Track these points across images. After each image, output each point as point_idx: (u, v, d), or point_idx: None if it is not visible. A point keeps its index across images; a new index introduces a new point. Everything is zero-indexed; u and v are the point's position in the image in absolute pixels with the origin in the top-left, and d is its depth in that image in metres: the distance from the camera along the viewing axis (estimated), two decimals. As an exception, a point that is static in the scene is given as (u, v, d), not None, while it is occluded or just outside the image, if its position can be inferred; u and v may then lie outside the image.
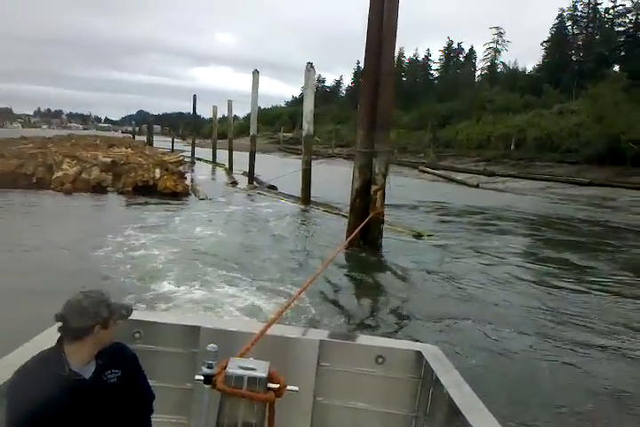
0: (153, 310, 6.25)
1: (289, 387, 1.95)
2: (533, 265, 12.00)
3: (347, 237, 12.78)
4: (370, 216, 12.60)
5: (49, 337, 2.22)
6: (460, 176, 38.69)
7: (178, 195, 20.48)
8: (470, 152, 50.02)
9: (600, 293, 9.74)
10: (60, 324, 2.02)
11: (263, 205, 20.10)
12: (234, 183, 27.25)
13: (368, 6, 12.56)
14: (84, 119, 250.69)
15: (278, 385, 1.90)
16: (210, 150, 45.03)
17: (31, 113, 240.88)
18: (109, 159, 25.47)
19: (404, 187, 31.37)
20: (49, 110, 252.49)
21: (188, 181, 26.90)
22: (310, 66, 19.65)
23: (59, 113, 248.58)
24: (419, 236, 14.53)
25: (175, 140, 70.95)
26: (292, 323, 6.44)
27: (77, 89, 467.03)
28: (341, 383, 3.10)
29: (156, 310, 6.44)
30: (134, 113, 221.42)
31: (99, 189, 20.39)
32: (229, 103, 37.12)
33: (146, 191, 20.22)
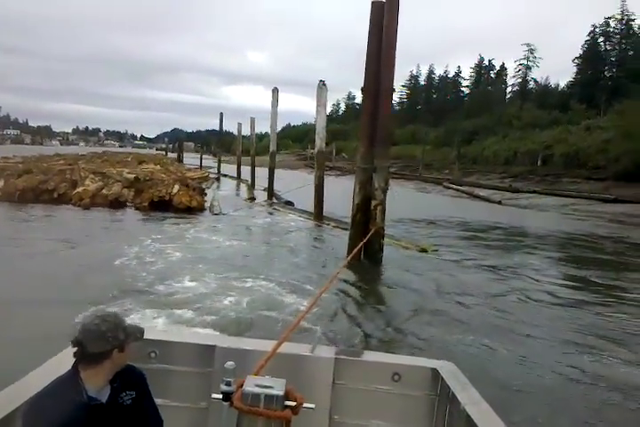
0: (167, 331, 6.23)
1: (305, 404, 1.94)
2: (533, 280, 11.81)
3: (348, 251, 12.88)
4: (371, 231, 12.70)
5: (63, 360, 2.19)
6: (483, 192, 38.35)
7: (192, 210, 20.83)
8: (497, 168, 49.58)
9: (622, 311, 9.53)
10: (75, 349, 2.00)
11: (274, 220, 20.32)
12: (251, 199, 27.56)
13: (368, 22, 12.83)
14: (121, 137, 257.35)
15: (295, 403, 1.90)
16: (244, 166, 45.24)
17: (70, 131, 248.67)
18: (132, 175, 26.18)
19: (424, 203, 31.38)
20: (87, 128, 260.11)
21: (208, 197, 27.51)
22: (322, 84, 19.91)
23: (96, 131, 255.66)
24: (423, 251, 14.47)
25: (206, 156, 72.20)
26: (305, 341, 6.39)
27: (114, 107, 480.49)
28: (357, 401, 3.08)
29: (170, 330, 6.49)
30: (169, 131, 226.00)
31: (116, 204, 20.90)
32: (252, 120, 37.76)
33: (162, 206, 20.64)
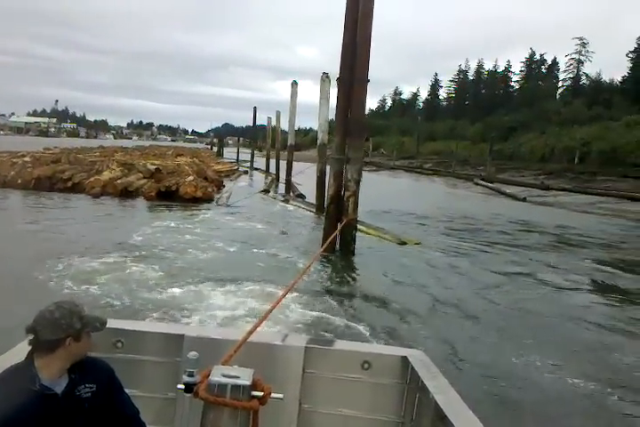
0: (135, 320, 6.18)
1: (273, 395, 1.90)
2: (510, 274, 11.61)
3: (322, 242, 12.94)
4: (343, 222, 12.72)
5: (21, 352, 2.11)
6: (511, 189, 37.50)
7: (199, 200, 21.27)
8: (532, 165, 48.34)
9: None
10: (30, 336, 1.95)
11: (275, 210, 20.55)
12: (265, 191, 27.89)
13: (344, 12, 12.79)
14: (173, 131, 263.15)
15: (262, 393, 1.86)
16: (280, 161, 45.48)
17: (124, 125, 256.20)
18: (154, 167, 26.90)
19: (443, 198, 31.01)
20: (141, 122, 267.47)
21: (226, 189, 28.09)
22: (325, 76, 19.93)
23: (149, 125, 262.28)
24: (403, 243, 14.37)
25: (244, 150, 73.11)
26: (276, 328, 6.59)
27: (168, 102, 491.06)
28: (327, 390, 3.07)
29: (137, 319, 6.41)
30: (220, 125, 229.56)
31: (126, 193, 21.54)
32: (277, 114, 38.05)
33: (169, 196, 21.17)
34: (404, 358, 3.03)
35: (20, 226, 13.86)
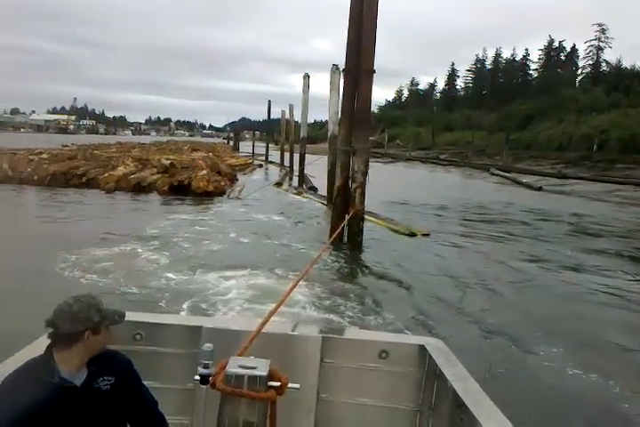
0: (154, 312, 6.06)
1: (290, 385, 1.92)
2: (517, 265, 11.54)
3: (330, 234, 12.98)
4: (350, 214, 12.73)
5: (41, 346, 2.12)
6: (527, 179, 37.14)
7: (211, 194, 21.43)
8: (549, 154, 47.71)
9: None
10: (49, 330, 1.96)
11: (286, 203, 20.67)
12: (278, 184, 27.99)
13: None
14: (190, 126, 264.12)
15: (279, 383, 1.88)
16: (294, 154, 45.42)
17: (143, 121, 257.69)
18: (169, 162, 27.12)
19: (458, 189, 30.80)
20: (159, 118, 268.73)
21: (240, 182, 28.30)
22: (336, 68, 19.87)
23: (167, 121, 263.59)
24: (412, 235, 14.35)
25: (260, 144, 73.16)
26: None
27: (185, 98, 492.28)
28: (345, 379, 3.06)
29: (156, 312, 6.46)
30: (237, 120, 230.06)
31: (139, 188, 21.77)
32: (290, 107, 38.05)
33: (181, 190, 21.37)
34: (422, 347, 3.02)
35: (34, 220, 14.17)
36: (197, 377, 1.98)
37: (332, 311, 7.66)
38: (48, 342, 1.99)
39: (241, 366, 1.86)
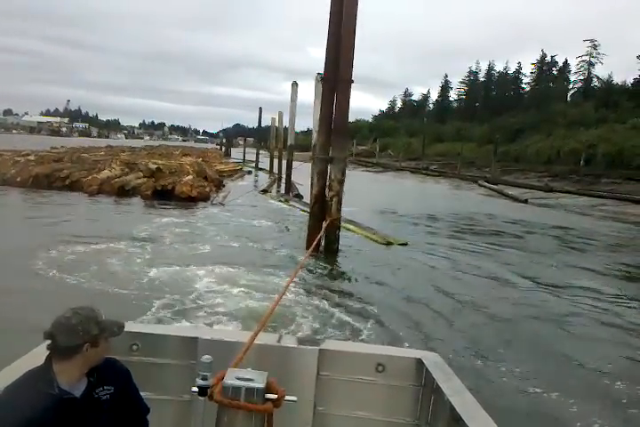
0: (150, 323, 6.35)
1: (287, 397, 1.91)
2: (487, 273, 11.61)
3: (307, 242, 13.00)
4: (326, 222, 12.76)
5: (38, 356, 2.12)
6: (514, 191, 37.34)
7: (194, 199, 21.40)
8: (538, 167, 48.07)
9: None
10: (47, 341, 1.96)
11: (269, 210, 20.72)
12: (264, 191, 28.01)
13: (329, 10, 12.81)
14: (184, 131, 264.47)
15: (276, 396, 1.87)
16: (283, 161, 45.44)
17: (136, 125, 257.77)
18: (155, 166, 27.08)
19: (444, 200, 30.96)
20: (152, 122, 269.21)
21: (226, 188, 28.32)
22: (320, 77, 19.94)
23: (161, 125, 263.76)
24: (389, 244, 14.40)
25: (250, 150, 73.20)
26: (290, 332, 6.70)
27: (180, 103, 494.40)
28: (342, 392, 3.06)
29: (153, 323, 6.54)
30: (231, 126, 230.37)
31: (123, 192, 21.73)
32: (280, 114, 38.12)
33: (165, 195, 21.33)
34: (419, 361, 3.02)
35: (14, 221, 14.16)
36: (195, 389, 1.97)
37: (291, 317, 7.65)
38: (45, 351, 1.99)
39: (238, 378, 1.86)
